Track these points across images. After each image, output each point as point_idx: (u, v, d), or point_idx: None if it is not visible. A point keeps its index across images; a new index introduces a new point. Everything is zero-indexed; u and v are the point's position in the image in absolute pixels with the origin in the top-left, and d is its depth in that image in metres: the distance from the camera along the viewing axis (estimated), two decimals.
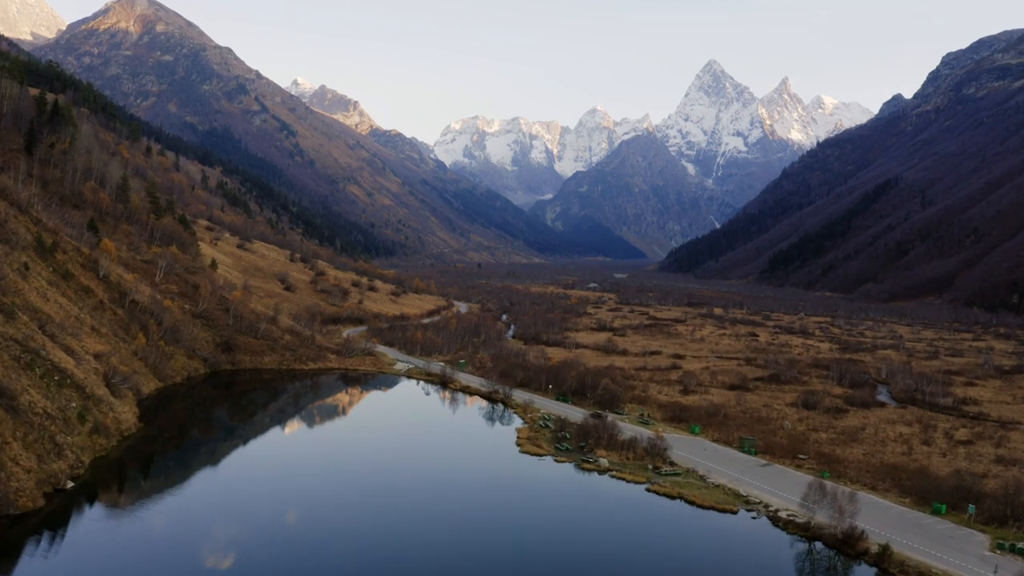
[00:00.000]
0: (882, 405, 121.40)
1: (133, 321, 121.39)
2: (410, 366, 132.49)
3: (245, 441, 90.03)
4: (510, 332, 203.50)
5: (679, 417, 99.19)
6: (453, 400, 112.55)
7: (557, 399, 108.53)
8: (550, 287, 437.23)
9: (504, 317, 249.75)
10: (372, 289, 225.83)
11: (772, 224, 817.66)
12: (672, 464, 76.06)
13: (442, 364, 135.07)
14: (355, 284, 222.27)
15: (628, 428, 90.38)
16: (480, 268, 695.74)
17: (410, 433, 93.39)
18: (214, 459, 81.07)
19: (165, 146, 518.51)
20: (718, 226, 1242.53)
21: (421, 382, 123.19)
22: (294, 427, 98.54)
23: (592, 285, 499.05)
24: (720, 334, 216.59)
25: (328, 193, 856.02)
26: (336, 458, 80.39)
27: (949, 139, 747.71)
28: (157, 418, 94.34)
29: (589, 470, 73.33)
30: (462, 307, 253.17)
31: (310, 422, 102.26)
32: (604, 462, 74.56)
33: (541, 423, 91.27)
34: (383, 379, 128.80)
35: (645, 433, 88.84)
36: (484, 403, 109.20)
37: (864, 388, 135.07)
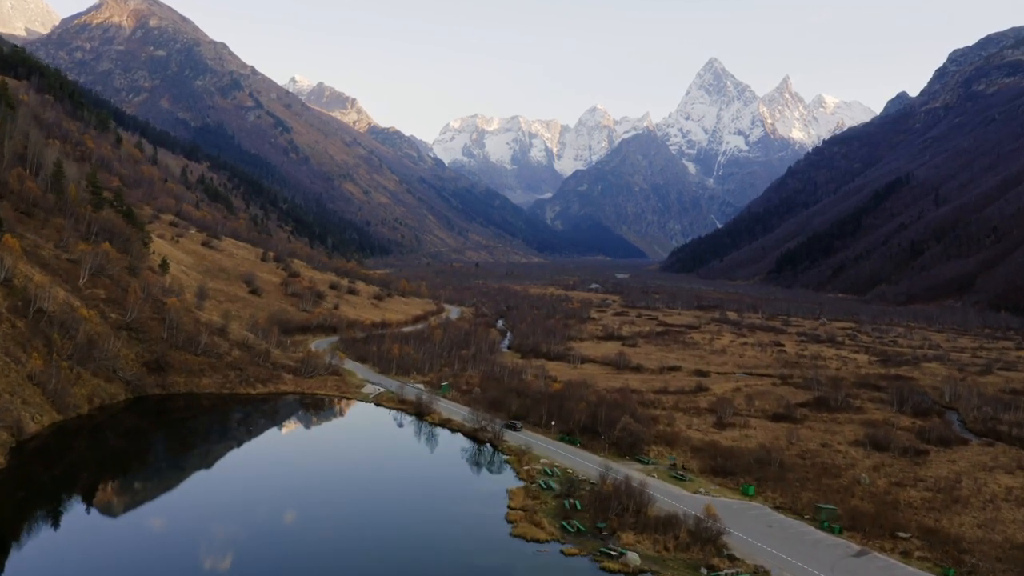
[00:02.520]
0: (964, 442, 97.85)
1: (35, 335, 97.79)
2: (381, 389, 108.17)
3: (130, 504, 66.38)
4: (505, 342, 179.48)
5: (722, 468, 75.43)
6: (429, 439, 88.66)
7: (561, 440, 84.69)
8: (550, 288, 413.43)
9: (500, 323, 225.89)
10: (352, 292, 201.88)
11: (778, 223, 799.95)
12: (732, 559, 52.33)
13: (421, 386, 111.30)
14: (333, 286, 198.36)
15: (659, 488, 66.83)
16: (477, 268, 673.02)
17: (360, 497, 68.62)
18: (81, 537, 57.49)
19: (150, 140, 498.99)
20: (719, 226, 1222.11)
21: (393, 411, 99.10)
22: (204, 483, 73.77)
23: (594, 286, 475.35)
24: (741, 343, 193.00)
25: (323, 191, 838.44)
26: (248, 543, 56.74)
27: (960, 136, 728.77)
28: (29, 471, 70.59)
29: (613, 571, 49.63)
30: (453, 312, 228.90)
31: (228, 477, 75.84)
32: (634, 558, 50.84)
33: (541, 482, 67.44)
34: (346, 407, 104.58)
35: (684, 497, 65.35)
36: (469, 443, 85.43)
37: (932, 417, 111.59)
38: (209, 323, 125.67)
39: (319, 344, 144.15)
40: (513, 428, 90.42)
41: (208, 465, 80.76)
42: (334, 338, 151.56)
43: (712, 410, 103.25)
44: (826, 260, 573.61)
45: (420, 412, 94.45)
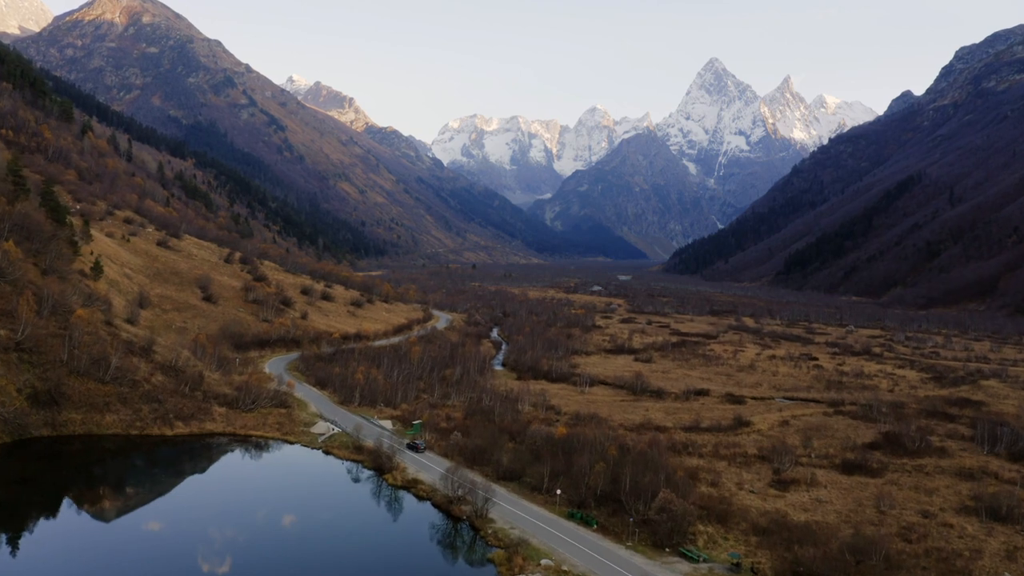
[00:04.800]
0: None
1: None
2: (335, 429, 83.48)
3: None
4: (499, 357, 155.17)
5: (807, 568, 51.42)
6: (390, 507, 64.53)
7: (571, 517, 60.50)
8: (550, 291, 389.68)
9: (495, 332, 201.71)
10: (326, 298, 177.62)
11: (784, 223, 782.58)
12: None
13: (388, 424, 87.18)
14: (305, 291, 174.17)
15: None
16: (474, 269, 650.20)
17: None
18: None
19: (133, 136, 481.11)
20: (720, 226, 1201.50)
21: (346, 463, 74.72)
22: None
23: (596, 288, 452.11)
24: (769, 357, 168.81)
25: (317, 190, 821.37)
26: None
27: (972, 133, 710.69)
28: None
29: None
30: (443, 319, 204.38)
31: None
32: None
33: None
34: (286, 454, 79.70)
35: None
36: (440, 518, 61.38)
37: None
38: (130, 340, 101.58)
39: (275, 363, 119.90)
40: (415, 449, 75.58)
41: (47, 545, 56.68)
42: (294, 355, 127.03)
43: (764, 457, 79.24)
44: (837, 261, 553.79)
45: (380, 466, 69.98)
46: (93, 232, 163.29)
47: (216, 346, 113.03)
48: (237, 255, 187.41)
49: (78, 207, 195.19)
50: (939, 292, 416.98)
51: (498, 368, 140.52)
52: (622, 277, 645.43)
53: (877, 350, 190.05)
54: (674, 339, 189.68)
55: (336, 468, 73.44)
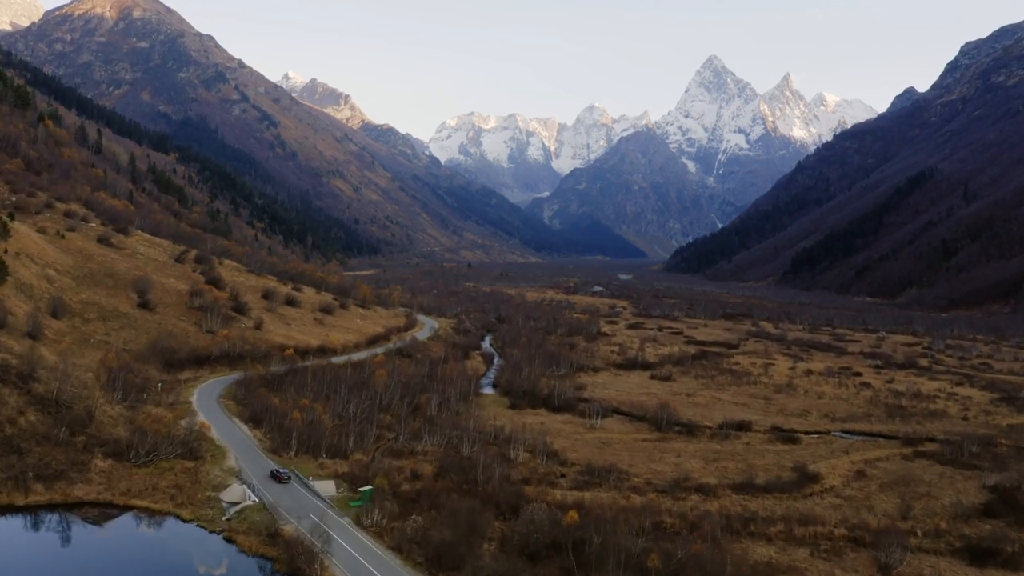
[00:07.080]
0: None
1: None
2: (250, 499, 58.60)
3: None
4: (489, 376, 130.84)
5: None
6: None
7: None
8: (548, 291, 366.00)
9: (487, 341, 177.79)
10: (291, 303, 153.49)
11: (789, 221, 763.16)
12: None
13: (331, 485, 63.11)
14: (266, 295, 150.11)
15: None
16: (470, 268, 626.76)
17: None
18: None
19: (115, 130, 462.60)
20: (720, 225, 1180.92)
21: (253, 558, 50.51)
22: None
23: (597, 289, 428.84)
24: (806, 372, 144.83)
25: (310, 187, 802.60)
26: None
27: (983, 129, 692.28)
28: None
29: None
30: (427, 326, 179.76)
31: None
32: None
33: None
34: (167, 542, 54.44)
35: None
36: None
37: None
38: (4, 363, 77.64)
39: (208, 387, 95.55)
40: (277, 479, 62.88)
41: None
42: (233, 377, 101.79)
43: (858, 540, 55.55)
44: (847, 260, 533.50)
45: (297, 571, 46.09)
46: (17, 226, 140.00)
47: (130, 367, 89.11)
48: (191, 254, 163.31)
49: (13, 199, 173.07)
50: (959, 293, 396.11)
51: (488, 392, 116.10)
52: (623, 276, 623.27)
53: (924, 363, 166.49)
54: (692, 350, 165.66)
55: (235, 570, 49.29)
